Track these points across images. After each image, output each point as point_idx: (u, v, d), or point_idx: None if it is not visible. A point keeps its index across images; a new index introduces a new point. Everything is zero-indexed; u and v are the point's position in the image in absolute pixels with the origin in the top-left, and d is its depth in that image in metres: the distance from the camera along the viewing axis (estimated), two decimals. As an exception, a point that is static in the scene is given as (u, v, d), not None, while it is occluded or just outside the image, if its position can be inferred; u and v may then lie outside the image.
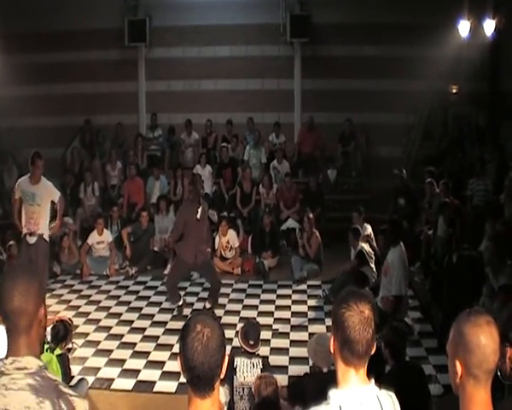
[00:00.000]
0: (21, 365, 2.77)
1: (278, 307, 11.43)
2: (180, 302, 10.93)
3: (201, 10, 17.40)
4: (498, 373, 3.26)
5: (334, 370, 3.02)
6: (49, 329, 7.20)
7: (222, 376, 2.83)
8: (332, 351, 2.99)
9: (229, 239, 13.54)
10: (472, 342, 2.73)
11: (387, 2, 16.09)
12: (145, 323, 10.66)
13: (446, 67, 15.14)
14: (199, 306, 11.17)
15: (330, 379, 3.11)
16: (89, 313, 11.01)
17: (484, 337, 2.72)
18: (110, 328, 10.43)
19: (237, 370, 6.54)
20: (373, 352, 2.94)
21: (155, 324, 10.64)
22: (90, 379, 8.29)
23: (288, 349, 9.53)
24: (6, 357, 2.81)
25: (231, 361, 6.44)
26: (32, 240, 10.26)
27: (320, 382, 5.75)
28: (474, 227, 11.75)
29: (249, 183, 15.43)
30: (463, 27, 15.39)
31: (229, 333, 9.15)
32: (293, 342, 9.75)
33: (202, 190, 11.58)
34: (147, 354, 9.44)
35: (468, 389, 2.77)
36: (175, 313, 11.01)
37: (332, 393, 2.91)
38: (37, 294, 2.87)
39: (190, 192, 11.13)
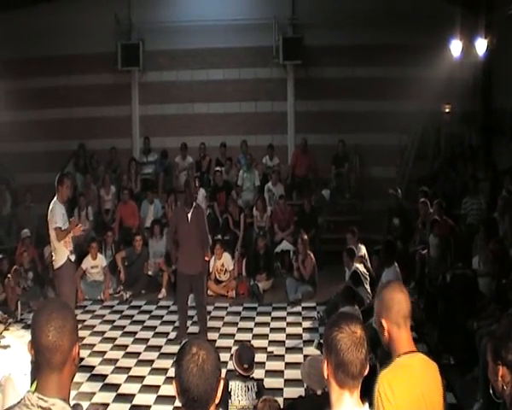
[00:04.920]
0: (46, 405, 2.64)
1: (273, 330, 11.39)
2: (185, 340, 10.69)
3: (194, 34, 17.45)
4: (491, 391, 3.28)
5: (328, 392, 3.00)
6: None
7: (217, 401, 2.80)
8: (325, 375, 2.97)
9: (223, 262, 13.50)
10: (389, 298, 3.64)
11: (379, 23, 16.19)
12: (140, 347, 10.61)
13: (439, 86, 15.16)
14: (193, 329, 11.11)
15: (324, 402, 3.09)
16: (83, 338, 10.91)
17: (398, 293, 3.66)
18: (105, 352, 10.38)
19: (232, 393, 6.51)
20: (366, 372, 2.93)
21: (150, 348, 10.59)
22: (85, 404, 8.20)
23: (282, 372, 9.48)
24: (33, 392, 2.70)
25: (226, 385, 6.41)
26: (73, 258, 10.19)
27: (314, 404, 5.72)
28: (468, 246, 11.75)
29: (236, 209, 15.24)
30: (455, 47, 15.47)
31: (223, 356, 9.10)
32: (288, 365, 9.70)
33: (196, 194, 11.31)
34: (142, 378, 9.38)
35: (394, 335, 3.60)
36: (171, 337, 10.99)
37: (327, 416, 2.89)
38: (72, 330, 2.77)
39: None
